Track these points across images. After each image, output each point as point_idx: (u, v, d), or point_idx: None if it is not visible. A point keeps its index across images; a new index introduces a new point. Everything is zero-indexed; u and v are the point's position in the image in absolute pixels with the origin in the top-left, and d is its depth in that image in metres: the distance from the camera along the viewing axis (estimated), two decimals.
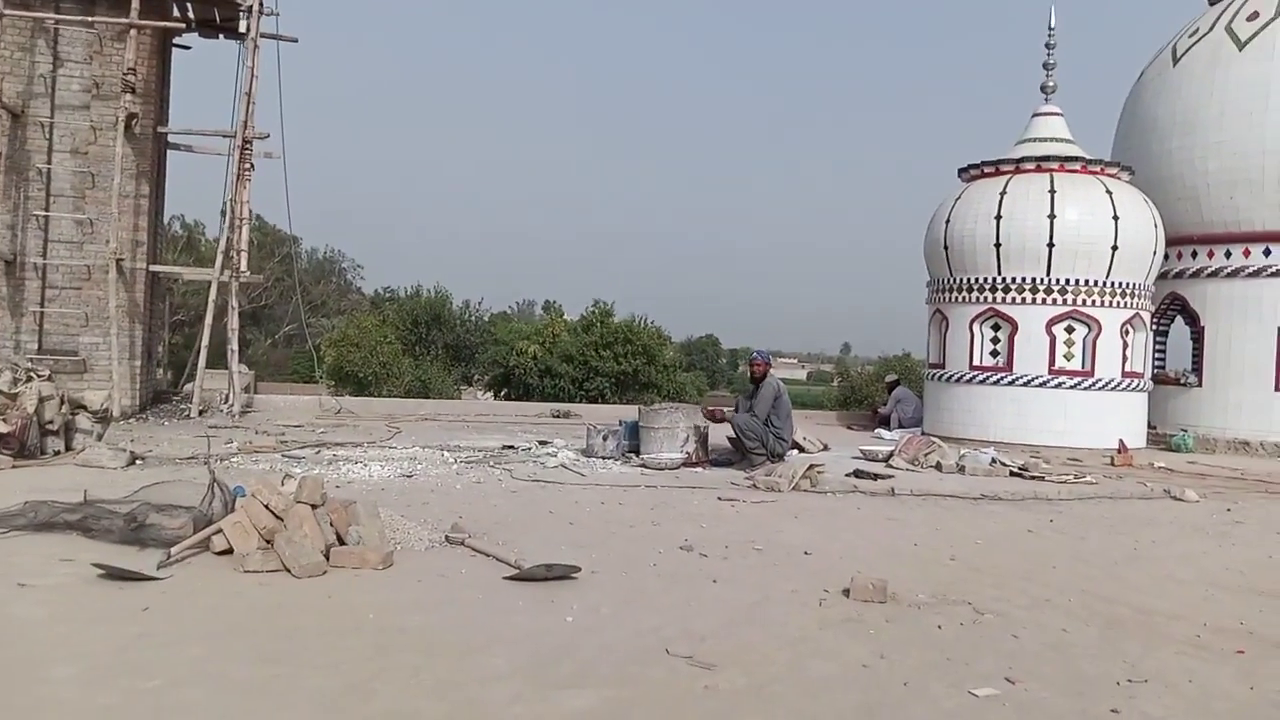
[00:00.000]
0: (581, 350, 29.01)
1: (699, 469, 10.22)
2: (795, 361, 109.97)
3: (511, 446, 11.51)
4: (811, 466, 9.49)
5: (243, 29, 14.07)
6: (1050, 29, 15.42)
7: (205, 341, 14.12)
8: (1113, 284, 14.19)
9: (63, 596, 4.82)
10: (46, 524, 6.03)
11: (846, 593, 5.31)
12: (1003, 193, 14.52)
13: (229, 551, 5.52)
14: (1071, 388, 14.17)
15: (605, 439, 10.85)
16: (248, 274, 14.69)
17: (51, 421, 9.50)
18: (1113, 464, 12.22)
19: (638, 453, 10.61)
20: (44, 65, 13.29)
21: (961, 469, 10.64)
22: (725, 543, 6.64)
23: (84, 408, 10.14)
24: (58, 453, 9.46)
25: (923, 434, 13.46)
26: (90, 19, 13.19)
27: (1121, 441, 13.32)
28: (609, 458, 10.67)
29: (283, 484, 6.31)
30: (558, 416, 16.50)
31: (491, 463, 10.19)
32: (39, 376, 9.79)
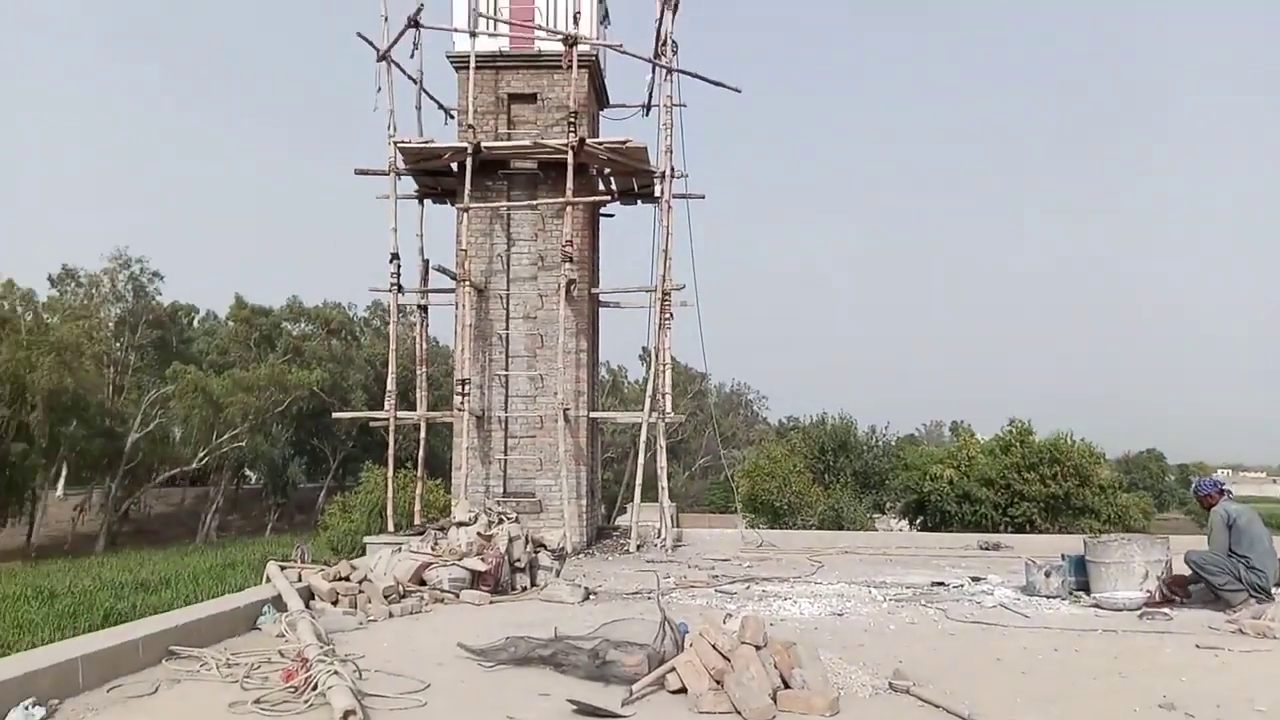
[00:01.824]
0: (1002, 473, 27.44)
1: (1164, 610, 9.04)
2: (1263, 475, 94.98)
3: (941, 583, 10.99)
4: None
5: (657, 193, 15.50)
6: None
7: (639, 480, 15.19)
8: None
9: None
10: (524, 658, 6.70)
11: None
12: None
13: (682, 690, 5.76)
14: None
15: (1048, 575, 9.99)
16: (672, 414, 15.71)
17: (519, 559, 10.63)
18: None
19: (1087, 591, 9.64)
20: (500, 245, 15.50)
21: None
22: (1216, 701, 5.75)
23: (544, 545, 11.25)
24: (524, 588, 10.52)
25: None
26: (535, 202, 15.25)
27: None
28: (1053, 596, 9.79)
29: (725, 622, 6.49)
30: (986, 548, 15.52)
31: (923, 601, 9.77)
32: (508, 519, 11.05)
